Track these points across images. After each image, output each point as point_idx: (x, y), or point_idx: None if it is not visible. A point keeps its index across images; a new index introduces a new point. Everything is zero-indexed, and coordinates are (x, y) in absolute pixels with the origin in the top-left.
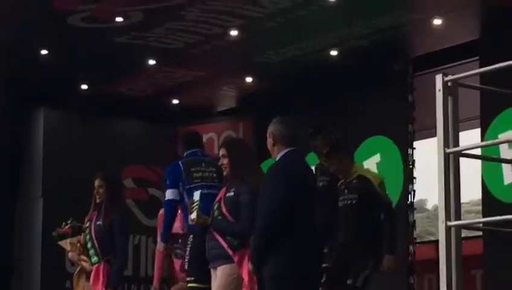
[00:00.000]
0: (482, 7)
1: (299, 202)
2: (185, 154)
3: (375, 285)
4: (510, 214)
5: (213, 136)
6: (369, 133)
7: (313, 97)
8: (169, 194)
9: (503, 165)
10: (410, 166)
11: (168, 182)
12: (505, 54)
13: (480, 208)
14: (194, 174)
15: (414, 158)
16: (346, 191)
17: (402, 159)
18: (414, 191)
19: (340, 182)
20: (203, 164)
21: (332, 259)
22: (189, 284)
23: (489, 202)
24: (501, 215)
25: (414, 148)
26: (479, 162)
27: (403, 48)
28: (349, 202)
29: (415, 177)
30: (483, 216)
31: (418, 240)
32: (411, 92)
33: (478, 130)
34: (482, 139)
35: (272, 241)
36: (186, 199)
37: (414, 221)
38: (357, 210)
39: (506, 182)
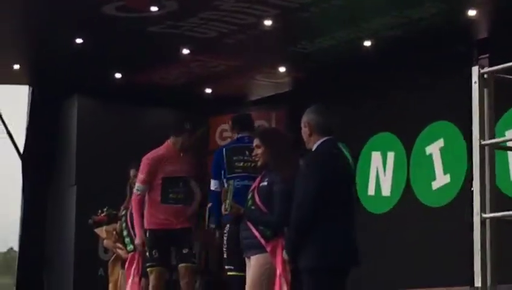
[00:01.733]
0: None
1: (336, 192)
2: (236, 137)
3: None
4: None
5: None
6: (430, 119)
7: (347, 87)
8: (212, 184)
9: (510, 160)
10: None
11: (212, 171)
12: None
13: None
14: (236, 163)
15: None
16: None
17: (466, 145)
18: None
19: None
20: (247, 152)
21: None
22: (229, 273)
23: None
24: (508, 210)
25: None
26: None
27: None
28: None
29: None
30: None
31: None
32: None
33: None
34: None
35: (308, 232)
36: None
37: None
38: None
39: None
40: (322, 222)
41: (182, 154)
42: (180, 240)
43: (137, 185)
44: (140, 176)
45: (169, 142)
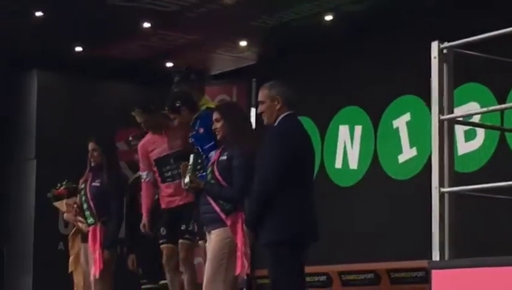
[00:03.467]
0: None
1: (298, 167)
2: (198, 115)
3: None
4: (467, 184)
5: None
6: (397, 93)
7: (311, 61)
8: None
9: (457, 136)
10: None
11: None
12: None
13: None
14: None
15: None
16: None
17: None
18: None
19: None
20: None
21: None
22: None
23: None
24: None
25: None
26: None
27: None
28: None
29: None
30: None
31: None
32: None
33: None
34: None
35: (270, 205)
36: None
37: None
38: None
39: (460, 152)
40: (284, 197)
41: (163, 132)
42: (181, 217)
43: (140, 173)
44: (140, 164)
45: None
